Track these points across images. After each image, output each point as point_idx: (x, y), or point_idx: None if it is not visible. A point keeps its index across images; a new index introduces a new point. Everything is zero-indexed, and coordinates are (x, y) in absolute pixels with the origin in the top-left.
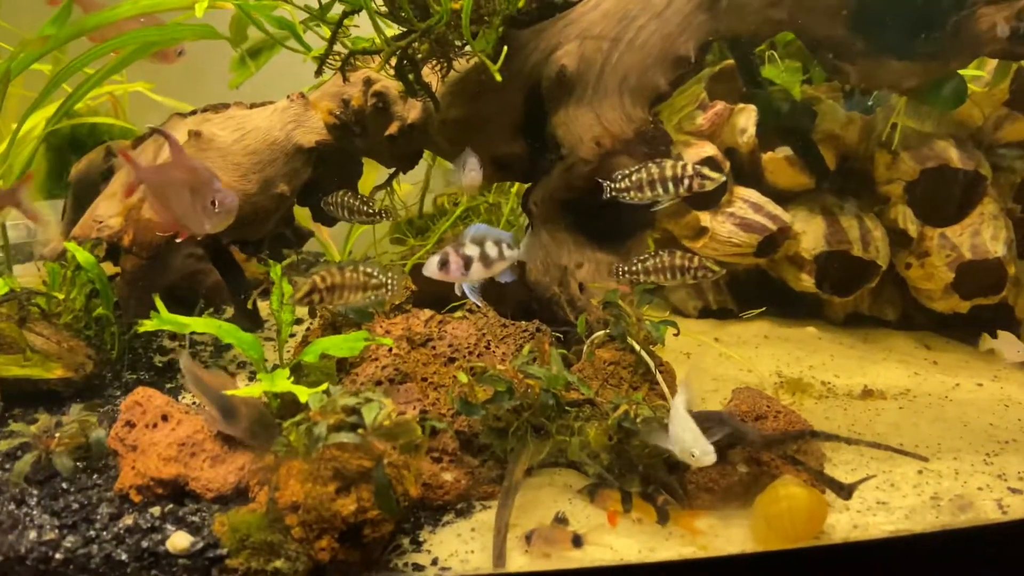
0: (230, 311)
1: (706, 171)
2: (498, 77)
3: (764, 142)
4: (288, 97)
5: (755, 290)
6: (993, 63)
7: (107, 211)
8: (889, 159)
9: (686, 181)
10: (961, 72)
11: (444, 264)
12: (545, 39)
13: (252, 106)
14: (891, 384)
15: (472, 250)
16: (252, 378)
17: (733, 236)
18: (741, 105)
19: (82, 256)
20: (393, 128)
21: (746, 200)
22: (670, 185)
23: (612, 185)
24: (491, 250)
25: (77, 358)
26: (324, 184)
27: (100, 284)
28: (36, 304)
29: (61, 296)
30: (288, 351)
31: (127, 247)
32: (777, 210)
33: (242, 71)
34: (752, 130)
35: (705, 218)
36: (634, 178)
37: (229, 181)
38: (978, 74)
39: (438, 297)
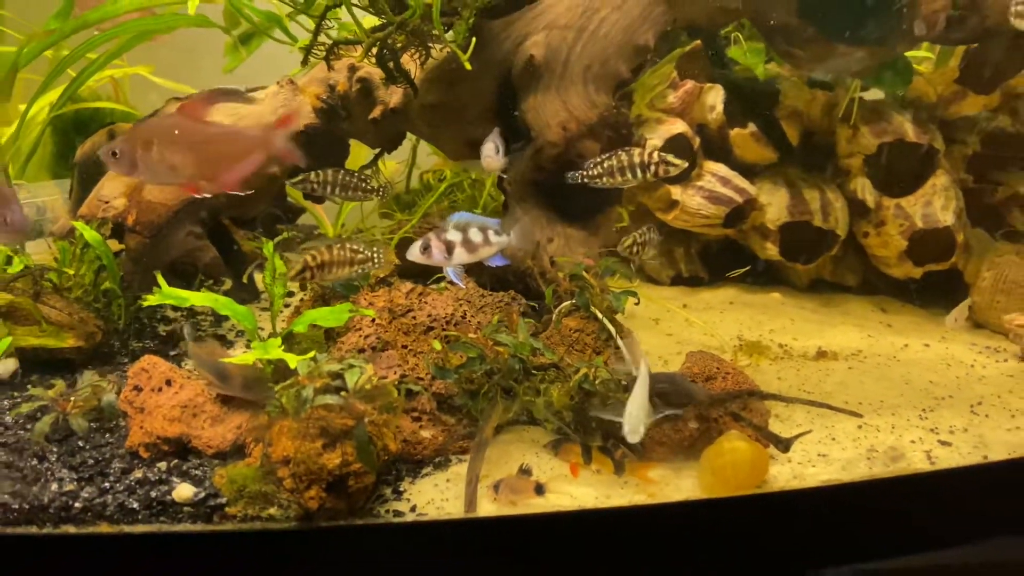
0: (228, 284)
1: (670, 158)
2: (468, 66)
3: (732, 119)
4: (278, 83)
5: (724, 258)
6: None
7: (111, 192)
8: (850, 133)
9: (652, 167)
10: (909, 54)
11: (426, 249)
12: (515, 29)
13: (248, 91)
14: (845, 346)
15: (454, 236)
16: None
17: (702, 208)
18: (709, 84)
19: (89, 234)
20: (376, 112)
21: (715, 174)
22: (638, 171)
23: (585, 172)
24: (475, 236)
25: (87, 328)
26: (313, 164)
27: (107, 260)
28: (49, 279)
29: (71, 271)
30: (282, 321)
31: (131, 226)
32: (744, 183)
33: (235, 56)
34: (720, 108)
35: (676, 191)
36: (605, 165)
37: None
38: (926, 55)
39: (423, 269)
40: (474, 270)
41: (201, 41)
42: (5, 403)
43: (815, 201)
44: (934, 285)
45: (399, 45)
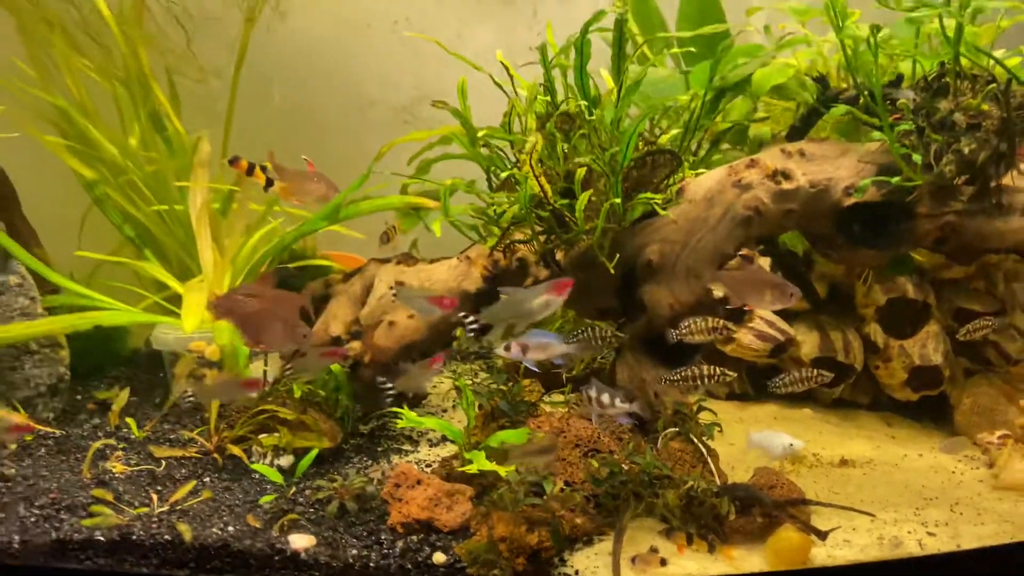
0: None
1: (730, 325)
2: (612, 270)
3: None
4: (457, 257)
5: (767, 379)
6: None
7: (336, 329)
8: (865, 290)
9: (720, 331)
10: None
11: (508, 348)
12: (638, 238)
13: (431, 261)
14: (860, 455)
15: (529, 341)
16: (434, 444)
17: (753, 344)
18: (761, 257)
19: (335, 367)
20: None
21: (763, 318)
22: (711, 333)
23: (678, 333)
24: (543, 342)
25: (334, 434)
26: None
27: (344, 385)
28: (312, 397)
29: (320, 391)
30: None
31: (366, 365)
32: (785, 326)
33: (409, 221)
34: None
35: (734, 331)
36: (691, 327)
37: (420, 316)
38: None
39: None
40: None
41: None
42: (295, 488)
43: (838, 341)
44: (928, 406)
45: (554, 245)
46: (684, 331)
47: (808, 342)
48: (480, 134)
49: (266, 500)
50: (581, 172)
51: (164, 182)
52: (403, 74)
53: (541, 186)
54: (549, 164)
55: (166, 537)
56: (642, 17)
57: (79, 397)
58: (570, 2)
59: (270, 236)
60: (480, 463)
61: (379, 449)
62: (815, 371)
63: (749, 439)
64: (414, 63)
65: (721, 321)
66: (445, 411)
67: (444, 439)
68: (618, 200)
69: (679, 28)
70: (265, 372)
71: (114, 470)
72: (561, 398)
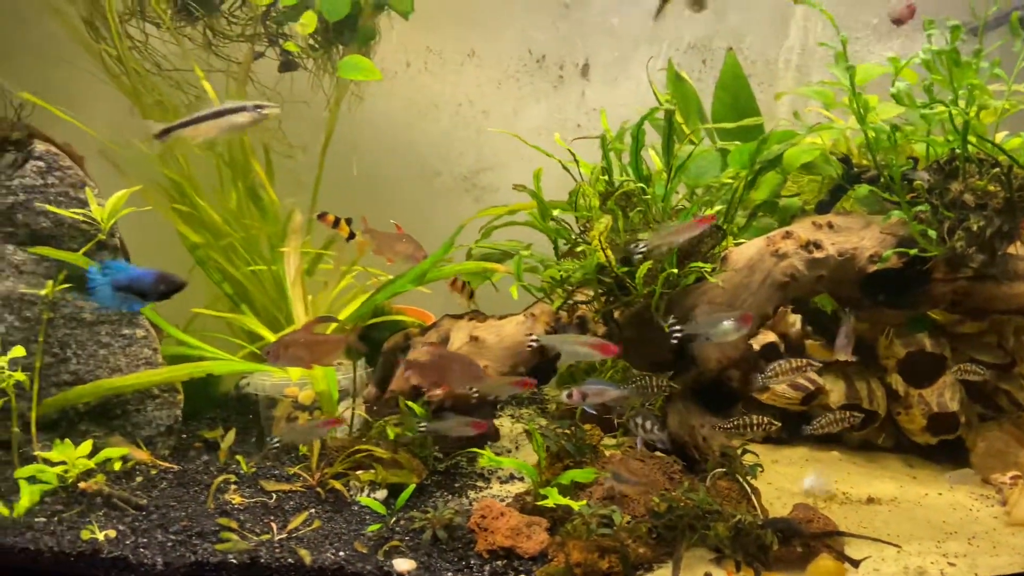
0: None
1: (813, 361)
2: (666, 328)
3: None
4: (523, 314)
5: (799, 424)
6: None
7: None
8: (887, 343)
9: (803, 369)
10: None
11: (570, 395)
12: (688, 299)
13: (501, 318)
14: (885, 493)
15: (588, 389)
16: (504, 481)
17: (786, 392)
18: (794, 315)
19: (418, 409)
20: None
21: None
22: (794, 372)
23: (764, 376)
24: (600, 389)
25: (420, 471)
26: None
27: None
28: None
29: (405, 431)
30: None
31: (447, 409)
32: (815, 376)
33: (476, 280)
34: (799, 325)
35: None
36: (776, 370)
37: (494, 366)
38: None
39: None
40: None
41: None
42: (391, 520)
43: (863, 390)
44: (946, 449)
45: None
46: (770, 374)
47: (836, 391)
48: (555, 213)
49: (372, 529)
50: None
51: (256, 245)
52: (464, 148)
53: (607, 257)
54: (610, 236)
55: (289, 560)
56: (679, 97)
57: (184, 436)
58: (614, 85)
59: (354, 293)
60: (555, 498)
61: (456, 485)
62: (847, 412)
63: (805, 481)
64: (475, 138)
65: (804, 361)
66: (510, 451)
67: (512, 477)
68: (676, 271)
69: (715, 108)
70: (353, 413)
71: (233, 501)
72: (614, 441)
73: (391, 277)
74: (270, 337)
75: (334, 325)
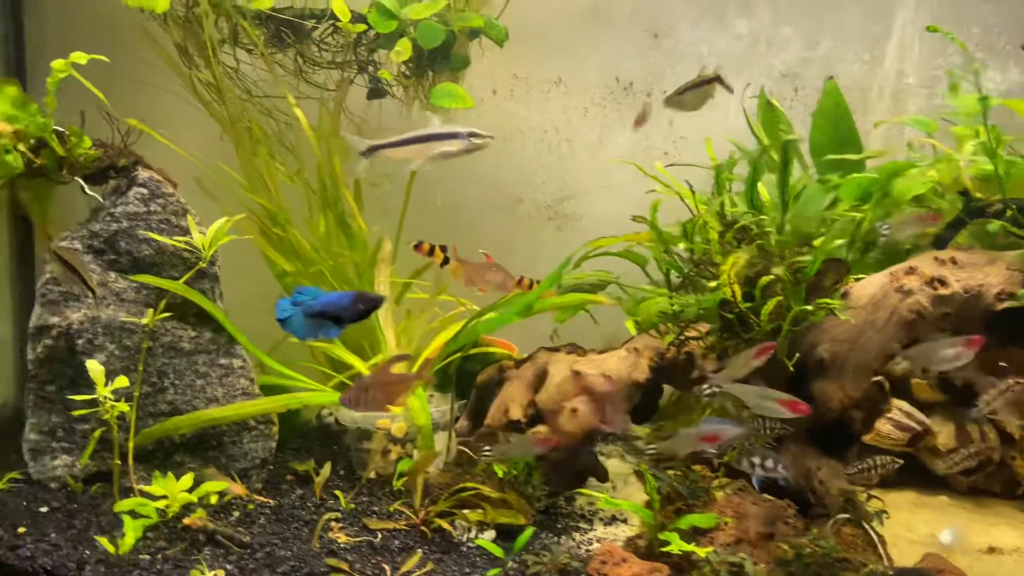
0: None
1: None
2: (791, 368)
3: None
4: (625, 348)
5: (904, 467)
6: None
7: (515, 413)
8: None
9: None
10: None
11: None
12: (811, 337)
13: (600, 352)
14: (1006, 542)
15: (705, 427)
16: (607, 523)
17: (891, 433)
18: None
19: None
20: (695, 374)
21: (900, 408)
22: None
23: (981, 404)
24: (718, 428)
25: (527, 510)
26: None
27: (533, 463)
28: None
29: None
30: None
31: (552, 448)
32: (922, 417)
33: (564, 314)
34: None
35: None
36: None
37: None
38: None
39: None
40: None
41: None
42: (510, 563)
43: (975, 432)
44: None
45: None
46: (990, 398)
47: (944, 432)
48: (681, 247)
49: (492, 575)
50: (764, 280)
51: (344, 273)
52: (548, 176)
53: (733, 292)
54: (724, 269)
55: None
56: (772, 125)
57: (271, 467)
58: (702, 113)
59: (442, 323)
60: (678, 544)
61: (558, 526)
62: (984, 445)
63: (944, 534)
64: (558, 166)
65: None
66: (615, 487)
67: (614, 518)
68: (805, 307)
69: (814, 137)
70: (448, 448)
71: (339, 540)
72: (723, 482)
73: (475, 307)
74: (359, 365)
75: (420, 360)
